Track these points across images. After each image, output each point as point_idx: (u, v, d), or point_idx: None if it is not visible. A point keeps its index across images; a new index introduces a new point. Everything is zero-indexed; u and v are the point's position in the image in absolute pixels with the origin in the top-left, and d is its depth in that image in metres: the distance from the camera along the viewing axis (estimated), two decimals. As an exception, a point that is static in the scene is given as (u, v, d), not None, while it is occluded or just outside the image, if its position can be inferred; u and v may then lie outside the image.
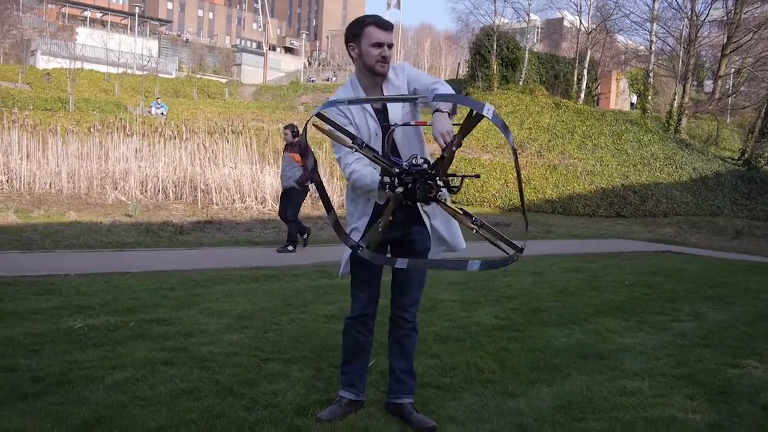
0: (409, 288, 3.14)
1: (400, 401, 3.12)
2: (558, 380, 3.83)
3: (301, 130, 2.72)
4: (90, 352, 3.93)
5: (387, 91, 3.02)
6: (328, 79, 55.86)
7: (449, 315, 5.49)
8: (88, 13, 60.64)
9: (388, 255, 3.08)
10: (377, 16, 3.01)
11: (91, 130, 16.57)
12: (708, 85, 39.78)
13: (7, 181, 14.21)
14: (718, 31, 33.40)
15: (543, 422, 3.14)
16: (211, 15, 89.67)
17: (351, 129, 2.94)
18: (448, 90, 2.90)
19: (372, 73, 3.00)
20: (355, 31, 2.98)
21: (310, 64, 64.56)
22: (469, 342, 4.59)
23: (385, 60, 2.96)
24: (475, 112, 2.59)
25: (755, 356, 4.61)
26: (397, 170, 2.65)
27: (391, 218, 2.71)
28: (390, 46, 2.97)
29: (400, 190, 2.64)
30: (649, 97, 31.96)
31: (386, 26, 2.96)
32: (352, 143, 2.75)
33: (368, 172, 2.90)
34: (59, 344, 4.04)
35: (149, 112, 25.61)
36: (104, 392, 3.25)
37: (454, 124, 2.76)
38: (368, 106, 3.00)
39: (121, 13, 64.40)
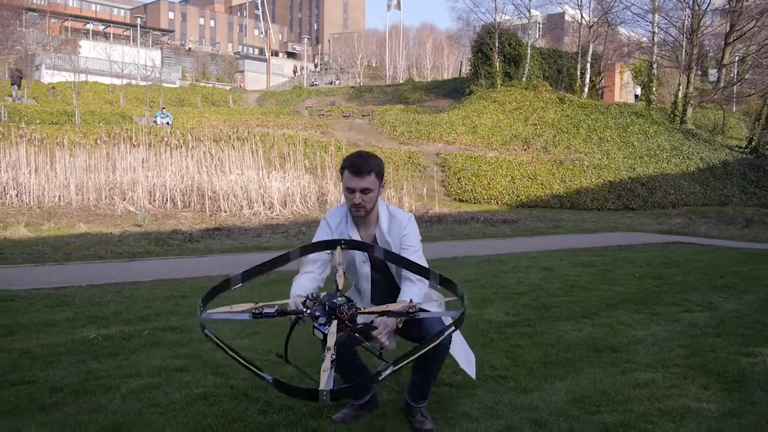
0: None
1: (410, 403, 3.12)
2: (571, 374, 3.83)
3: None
4: (105, 361, 3.97)
5: (379, 239, 3.02)
6: (331, 83, 55.98)
7: (460, 313, 5.49)
8: (90, 26, 61.03)
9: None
10: (355, 158, 2.93)
11: (98, 141, 16.69)
12: (712, 74, 39.60)
13: (16, 195, 14.33)
14: (720, 19, 33.26)
15: (557, 417, 3.15)
16: (212, 23, 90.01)
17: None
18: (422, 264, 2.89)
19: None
20: (340, 167, 2.99)
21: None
22: (481, 339, 4.59)
23: (358, 207, 2.93)
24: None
25: (768, 344, 4.60)
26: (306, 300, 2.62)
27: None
28: (365, 191, 2.90)
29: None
30: (654, 89, 31.86)
31: (359, 172, 2.88)
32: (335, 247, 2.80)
33: (298, 286, 2.93)
34: (75, 355, 4.08)
35: (155, 122, 25.73)
36: (121, 400, 3.28)
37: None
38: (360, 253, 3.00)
39: (123, 24, 64.82)
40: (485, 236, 13.71)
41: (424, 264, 2.94)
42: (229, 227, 13.00)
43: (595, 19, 35.61)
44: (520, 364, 4.00)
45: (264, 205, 15.54)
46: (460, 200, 21.59)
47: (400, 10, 61.33)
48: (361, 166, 2.89)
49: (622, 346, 4.50)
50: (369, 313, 2.61)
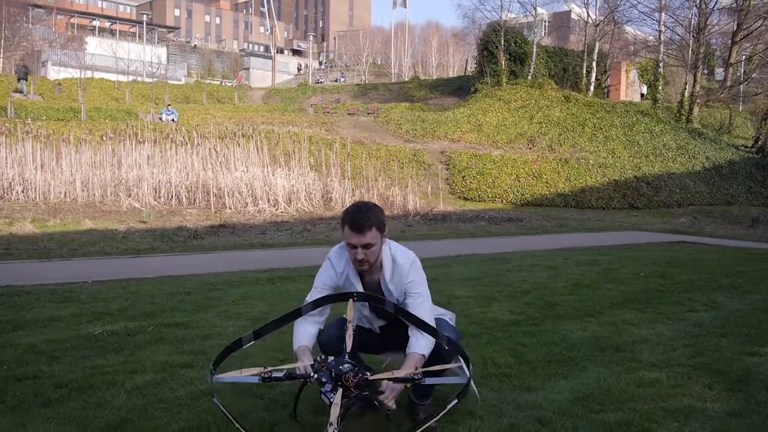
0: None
1: (414, 401, 3.13)
2: (575, 373, 3.83)
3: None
4: (110, 357, 3.98)
5: (382, 286, 2.99)
6: (336, 80, 55.96)
7: (465, 311, 5.49)
8: (96, 23, 61.18)
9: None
10: (354, 214, 2.85)
11: (104, 138, 16.71)
12: (719, 73, 39.47)
13: (22, 191, 14.39)
14: (727, 18, 33.11)
15: (561, 415, 3.14)
16: (218, 20, 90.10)
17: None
18: (427, 317, 2.88)
19: None
20: (341, 222, 2.93)
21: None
22: (485, 337, 4.59)
23: (361, 262, 2.88)
24: None
25: (773, 344, 4.58)
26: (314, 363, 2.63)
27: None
28: (367, 246, 2.84)
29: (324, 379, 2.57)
30: (660, 87, 31.76)
31: (359, 229, 2.82)
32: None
33: (301, 333, 2.92)
34: (80, 350, 4.10)
35: (160, 118, 25.76)
36: (126, 396, 3.29)
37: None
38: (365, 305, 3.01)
39: (129, 21, 64.91)
40: (490, 234, 13.70)
41: (429, 306, 2.96)
42: (233, 224, 13.02)
43: (602, 18, 35.51)
44: (524, 362, 4.00)
45: (269, 202, 15.56)
46: (465, 198, 21.56)
47: (405, 7, 61.20)
48: (361, 221, 2.82)
49: (626, 345, 4.49)
50: (375, 379, 2.63)
